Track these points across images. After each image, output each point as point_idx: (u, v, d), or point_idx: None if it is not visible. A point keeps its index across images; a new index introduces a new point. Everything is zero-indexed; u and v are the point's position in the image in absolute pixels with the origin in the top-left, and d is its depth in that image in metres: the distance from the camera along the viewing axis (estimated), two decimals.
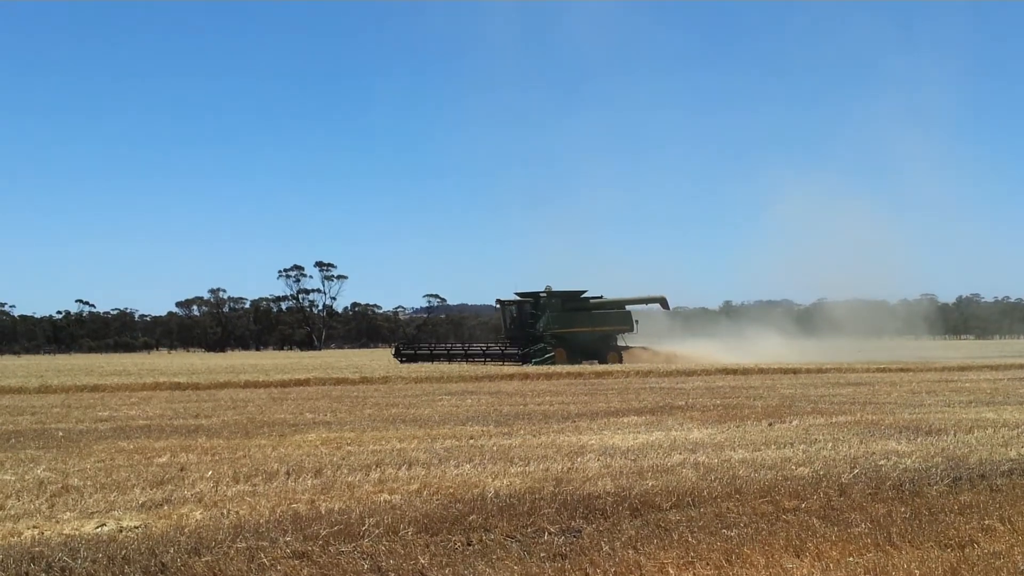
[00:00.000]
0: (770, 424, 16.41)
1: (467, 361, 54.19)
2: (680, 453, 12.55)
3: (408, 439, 14.58)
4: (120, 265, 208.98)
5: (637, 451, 12.84)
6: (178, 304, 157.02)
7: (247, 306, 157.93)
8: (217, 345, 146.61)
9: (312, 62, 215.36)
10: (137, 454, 13.15)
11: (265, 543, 7.46)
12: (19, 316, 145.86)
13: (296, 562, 7.07)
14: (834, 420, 17.00)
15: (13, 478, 11.05)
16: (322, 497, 9.49)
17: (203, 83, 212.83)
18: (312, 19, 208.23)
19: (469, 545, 7.57)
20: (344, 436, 15.07)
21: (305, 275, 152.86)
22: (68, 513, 8.92)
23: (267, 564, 7.00)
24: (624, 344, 56.50)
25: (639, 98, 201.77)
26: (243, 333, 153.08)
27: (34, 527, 8.30)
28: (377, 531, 7.84)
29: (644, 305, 61.70)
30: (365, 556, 7.23)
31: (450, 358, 55.89)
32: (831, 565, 7.13)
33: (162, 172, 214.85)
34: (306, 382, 32.63)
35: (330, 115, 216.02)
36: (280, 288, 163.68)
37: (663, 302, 60.89)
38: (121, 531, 8.06)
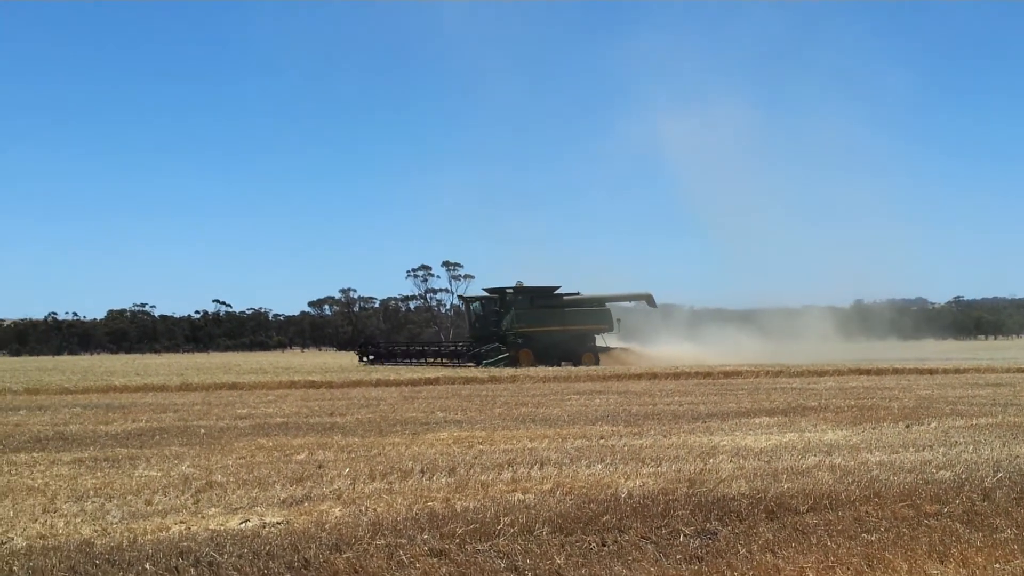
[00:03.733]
0: (907, 426, 16.02)
1: (425, 363, 51.87)
2: (815, 455, 12.34)
3: (538, 438, 14.65)
4: (255, 266, 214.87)
5: (770, 452, 12.67)
6: (310, 304, 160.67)
7: (376, 305, 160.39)
8: (348, 344, 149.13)
9: (431, 57, 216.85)
10: (276, 451, 13.48)
11: (403, 541, 7.57)
12: (159, 316, 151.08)
13: (434, 560, 7.16)
14: (974, 422, 16.52)
15: (159, 474, 11.42)
16: (456, 496, 9.59)
17: (329, 84, 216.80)
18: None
19: (604, 546, 7.57)
20: (475, 435, 15.22)
21: (432, 275, 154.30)
22: (213, 509, 9.18)
23: (406, 562, 7.11)
24: (604, 344, 53.36)
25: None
26: (373, 332, 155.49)
27: (181, 522, 8.55)
28: (512, 530, 7.90)
29: (629, 303, 58.72)
30: (501, 555, 7.30)
31: (408, 358, 54.07)
32: (976, 572, 6.95)
33: (294, 176, 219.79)
34: (436, 381, 32.98)
35: (467, 115, 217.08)
36: (408, 288, 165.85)
37: (649, 300, 57.82)
38: (264, 527, 8.27)
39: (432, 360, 52.23)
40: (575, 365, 47.71)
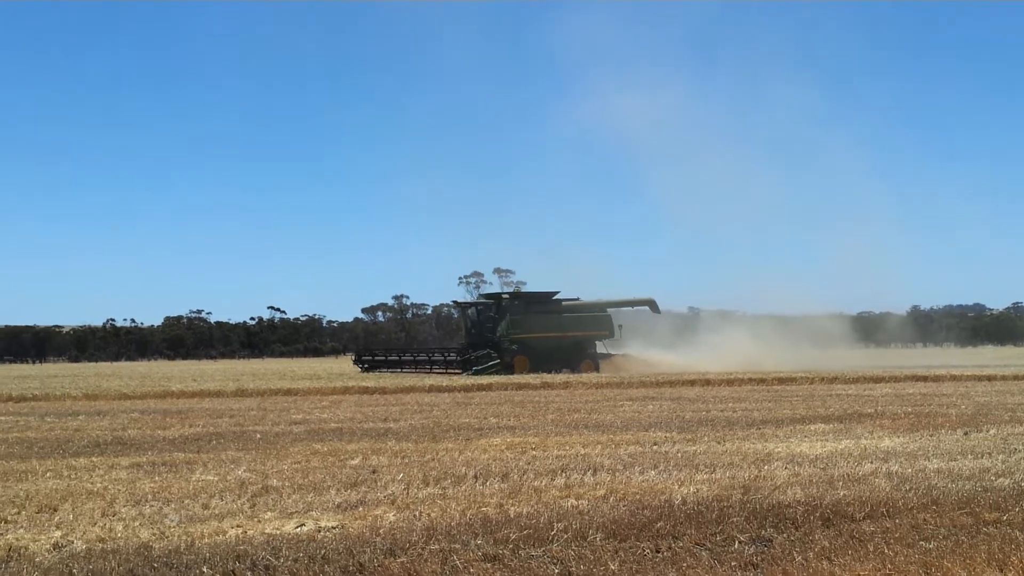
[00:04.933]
0: (965, 433, 15.82)
1: (415, 370, 51.04)
2: (871, 462, 12.22)
3: (591, 444, 14.62)
4: (309, 273, 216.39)
5: (826, 459, 12.56)
6: (363, 310, 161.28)
7: (429, 312, 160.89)
8: (400, 351, 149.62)
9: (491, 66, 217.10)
10: (331, 456, 13.57)
11: (457, 546, 7.60)
12: (215, 322, 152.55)
13: (488, 565, 7.18)
14: None
15: (216, 478, 11.54)
16: (510, 501, 9.61)
17: (378, 88, 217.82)
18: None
19: (658, 552, 7.55)
20: (528, 441, 15.22)
21: (484, 281, 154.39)
22: (269, 513, 9.27)
23: (460, 567, 7.13)
24: (605, 351, 52.08)
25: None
26: (426, 338, 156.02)
27: (237, 526, 8.63)
28: (565, 536, 7.91)
29: (631, 308, 56.87)
30: (555, 561, 7.30)
31: (401, 366, 53.32)
32: None
33: (349, 182, 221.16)
34: (488, 387, 33.02)
35: (512, 121, 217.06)
36: (460, 294, 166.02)
37: (652, 305, 56.36)
38: (319, 531, 8.34)
39: (426, 368, 51.59)
40: (573, 372, 45.83)
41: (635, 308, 57.59)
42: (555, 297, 52.44)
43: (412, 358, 54.88)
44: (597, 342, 52.02)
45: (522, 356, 48.57)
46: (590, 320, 51.81)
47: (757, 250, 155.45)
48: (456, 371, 47.16)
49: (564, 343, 50.03)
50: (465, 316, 53.99)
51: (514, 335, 49.33)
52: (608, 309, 53.90)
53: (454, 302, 55.49)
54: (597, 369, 48.57)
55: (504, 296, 52.14)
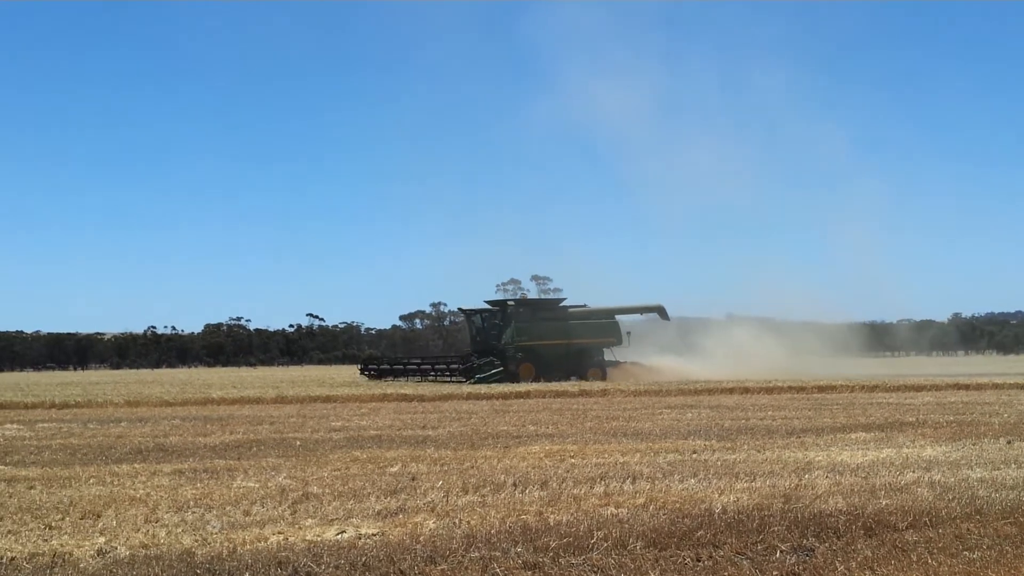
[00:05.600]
0: (1009, 442, 15.65)
1: (420, 378, 50.40)
2: (913, 471, 12.12)
3: (630, 452, 14.60)
4: (348, 281, 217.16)
5: (867, 468, 12.48)
6: (401, 318, 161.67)
7: None
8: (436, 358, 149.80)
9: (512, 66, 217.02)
10: (370, 463, 13.62)
11: (497, 553, 7.61)
12: (255, 330, 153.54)
13: (528, 573, 7.19)
14: None
15: (257, 485, 11.61)
16: (549, 509, 9.60)
17: (384, 88, 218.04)
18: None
19: (699, 561, 7.53)
20: (567, 448, 15.21)
21: (522, 289, 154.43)
22: (310, 520, 9.31)
23: (500, 574, 7.14)
24: (613, 358, 50.89)
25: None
26: (463, 346, 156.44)
27: (279, 533, 8.68)
28: (605, 544, 7.89)
29: (640, 315, 56.42)
30: (595, 569, 7.30)
31: (407, 374, 52.53)
32: None
33: (386, 189, 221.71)
34: (526, 394, 33.02)
35: (550, 125, 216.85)
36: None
37: (661, 311, 55.58)
38: (360, 538, 8.37)
39: (431, 375, 51.20)
40: (580, 379, 46.04)
41: (644, 315, 57.47)
42: (562, 304, 52.21)
43: (417, 366, 54.55)
44: (605, 349, 51.26)
45: (528, 364, 47.99)
46: (597, 327, 51.03)
47: (780, 256, 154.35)
48: (460, 379, 46.79)
49: (571, 350, 49.37)
50: (471, 323, 52.99)
51: (520, 342, 48.70)
52: (616, 316, 53.27)
53: (460, 309, 54.32)
54: (605, 377, 47.93)
55: (510, 303, 51.91)
